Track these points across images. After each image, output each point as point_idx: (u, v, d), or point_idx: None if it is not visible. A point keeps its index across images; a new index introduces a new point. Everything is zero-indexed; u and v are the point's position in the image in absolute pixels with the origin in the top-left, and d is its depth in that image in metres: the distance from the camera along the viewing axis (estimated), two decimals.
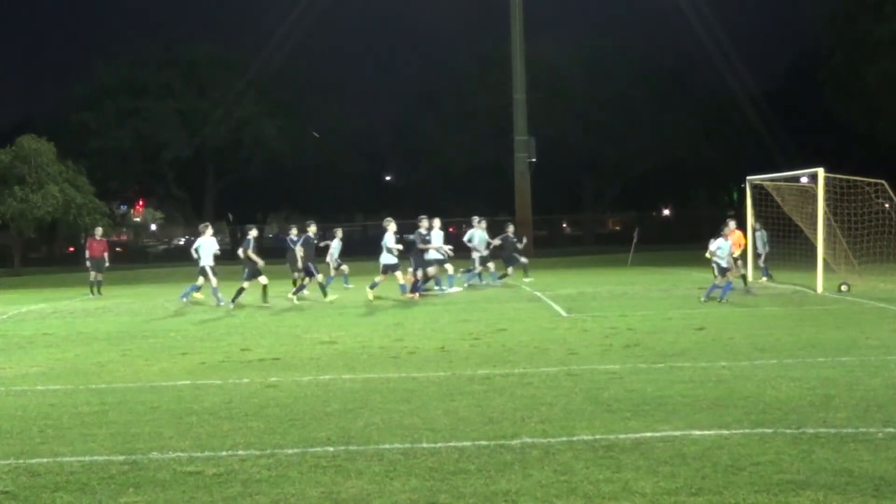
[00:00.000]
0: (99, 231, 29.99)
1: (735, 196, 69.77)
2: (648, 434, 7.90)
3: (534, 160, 47.60)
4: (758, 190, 25.08)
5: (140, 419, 9.20)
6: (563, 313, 18.40)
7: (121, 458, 7.67)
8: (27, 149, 45.63)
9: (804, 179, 24.74)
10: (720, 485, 6.44)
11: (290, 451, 7.70)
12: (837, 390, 9.54)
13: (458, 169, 62.91)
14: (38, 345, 15.90)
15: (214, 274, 22.74)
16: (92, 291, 28.08)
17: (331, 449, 7.74)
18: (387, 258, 21.96)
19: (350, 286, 26.89)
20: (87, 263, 28.60)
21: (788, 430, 7.87)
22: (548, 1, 61.82)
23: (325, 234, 34.88)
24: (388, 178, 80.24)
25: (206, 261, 22.78)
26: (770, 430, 7.88)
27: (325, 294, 22.52)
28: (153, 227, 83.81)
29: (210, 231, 23.29)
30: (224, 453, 7.72)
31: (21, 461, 7.67)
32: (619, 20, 65.31)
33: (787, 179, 24.55)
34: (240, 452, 7.72)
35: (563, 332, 15.29)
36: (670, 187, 69.98)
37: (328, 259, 26.99)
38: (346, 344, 14.66)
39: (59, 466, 7.45)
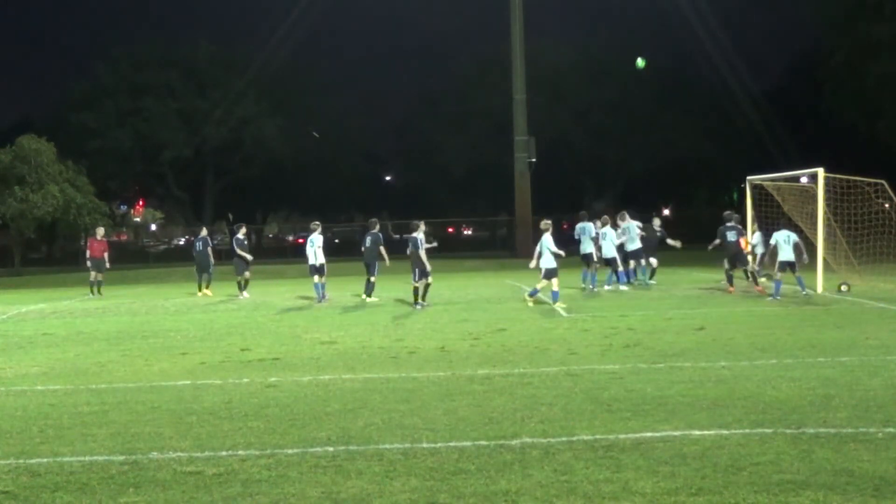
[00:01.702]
0: (100, 231, 29.99)
1: (735, 196, 69.69)
2: (648, 434, 7.90)
3: (534, 160, 47.57)
4: (758, 190, 25.08)
5: (140, 419, 9.20)
6: (563, 313, 18.39)
7: (121, 458, 7.67)
8: (27, 149, 45.57)
9: (804, 179, 24.74)
10: (720, 485, 6.44)
11: (290, 451, 7.70)
12: (837, 390, 9.54)
13: (458, 169, 62.84)
14: (38, 345, 15.90)
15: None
16: (92, 291, 28.10)
17: (331, 449, 7.74)
18: (548, 262, 19.83)
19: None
20: (88, 263, 28.63)
21: (788, 430, 7.87)
22: (548, 1, 61.66)
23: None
24: (388, 178, 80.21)
25: (321, 258, 22.85)
26: (770, 430, 7.88)
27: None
28: (153, 227, 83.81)
29: (319, 228, 23.62)
30: (224, 453, 7.72)
31: (21, 461, 7.67)
32: (620, 21, 65.07)
33: (787, 179, 24.55)
34: (240, 452, 7.73)
35: (563, 332, 15.29)
36: (670, 187, 69.91)
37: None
38: (346, 344, 14.67)
39: (59, 466, 7.46)
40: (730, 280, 22.04)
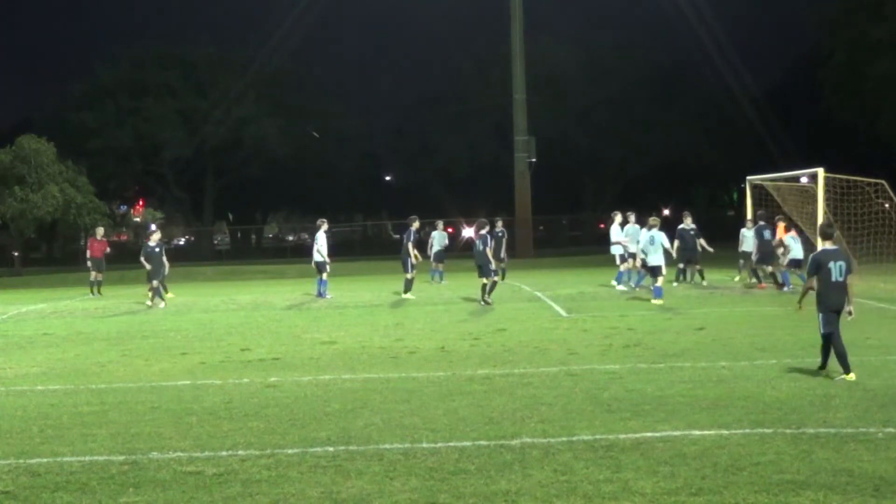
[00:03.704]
0: (100, 231, 29.97)
1: (735, 196, 69.67)
2: (648, 434, 7.90)
3: (534, 160, 47.59)
4: (758, 190, 25.11)
5: (140, 419, 9.19)
6: (563, 313, 18.40)
7: (121, 458, 7.67)
8: (27, 149, 45.54)
9: (804, 179, 24.75)
10: (720, 485, 6.44)
11: (290, 451, 7.70)
12: (837, 390, 9.54)
13: (458, 169, 62.85)
14: (38, 345, 15.90)
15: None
16: (92, 291, 28.09)
17: (331, 449, 7.74)
18: (656, 259, 19.66)
19: (444, 282, 28.16)
20: (88, 263, 28.62)
21: (788, 430, 7.87)
22: (548, 1, 61.66)
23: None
24: (388, 178, 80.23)
25: (324, 255, 23.29)
26: (770, 430, 7.89)
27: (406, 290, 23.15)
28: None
29: (325, 226, 23.97)
30: (224, 453, 7.72)
31: (21, 461, 7.67)
32: (619, 20, 65.23)
33: (787, 179, 24.58)
34: (240, 452, 7.73)
35: (563, 332, 15.29)
36: (670, 187, 69.90)
37: (428, 251, 28.90)
38: (346, 344, 14.67)
39: (59, 466, 7.45)
40: (763, 277, 22.83)
